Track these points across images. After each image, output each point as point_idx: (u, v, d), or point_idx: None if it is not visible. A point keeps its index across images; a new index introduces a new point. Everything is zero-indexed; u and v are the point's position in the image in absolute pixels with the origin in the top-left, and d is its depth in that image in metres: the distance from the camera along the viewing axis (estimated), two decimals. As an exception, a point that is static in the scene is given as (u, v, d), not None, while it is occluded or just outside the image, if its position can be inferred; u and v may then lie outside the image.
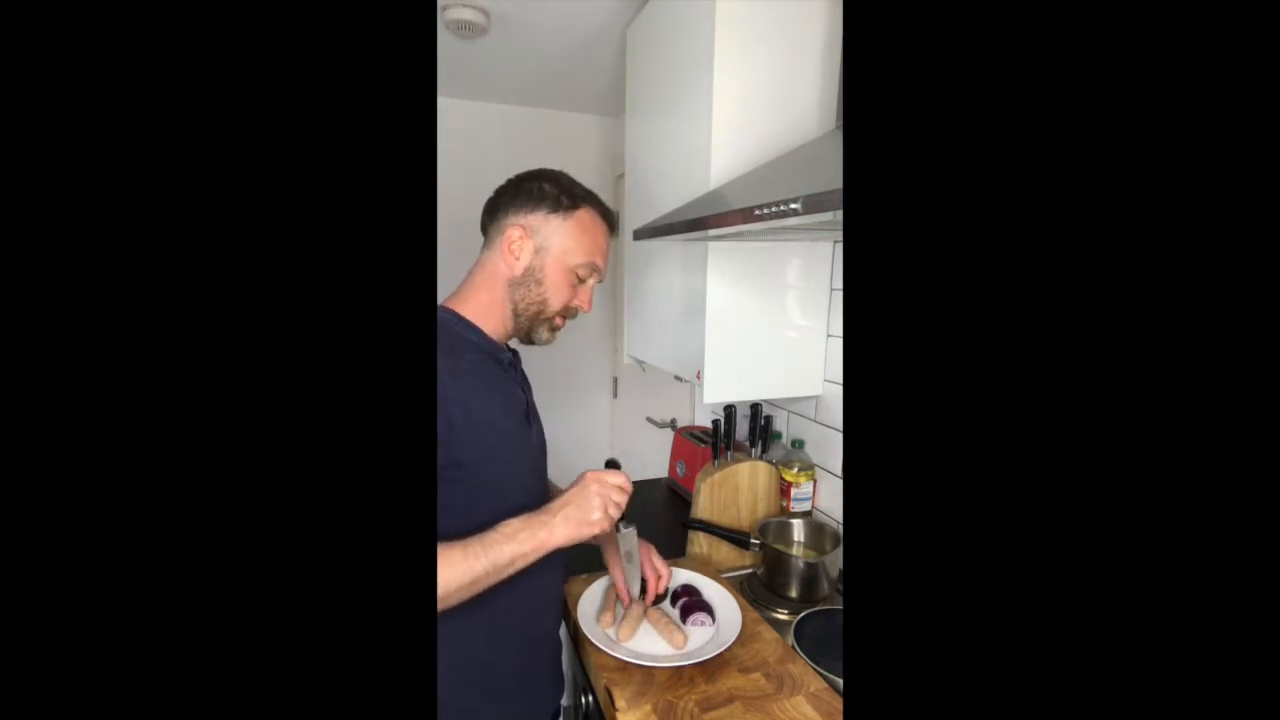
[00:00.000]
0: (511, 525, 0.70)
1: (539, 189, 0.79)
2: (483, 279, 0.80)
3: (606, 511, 0.73)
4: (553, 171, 0.82)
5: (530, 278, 0.78)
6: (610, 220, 0.83)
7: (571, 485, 0.76)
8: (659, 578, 0.96)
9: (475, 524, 0.69)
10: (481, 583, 0.67)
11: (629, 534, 0.89)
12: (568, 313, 0.82)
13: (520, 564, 0.69)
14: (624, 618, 0.96)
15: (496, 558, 0.67)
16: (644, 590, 0.96)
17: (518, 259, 0.78)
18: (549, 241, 0.78)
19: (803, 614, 1.03)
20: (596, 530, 0.73)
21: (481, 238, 0.83)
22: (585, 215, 0.79)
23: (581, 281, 0.81)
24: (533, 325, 0.81)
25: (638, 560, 0.94)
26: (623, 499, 0.76)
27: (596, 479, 0.75)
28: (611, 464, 0.81)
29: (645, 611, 0.98)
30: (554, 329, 0.82)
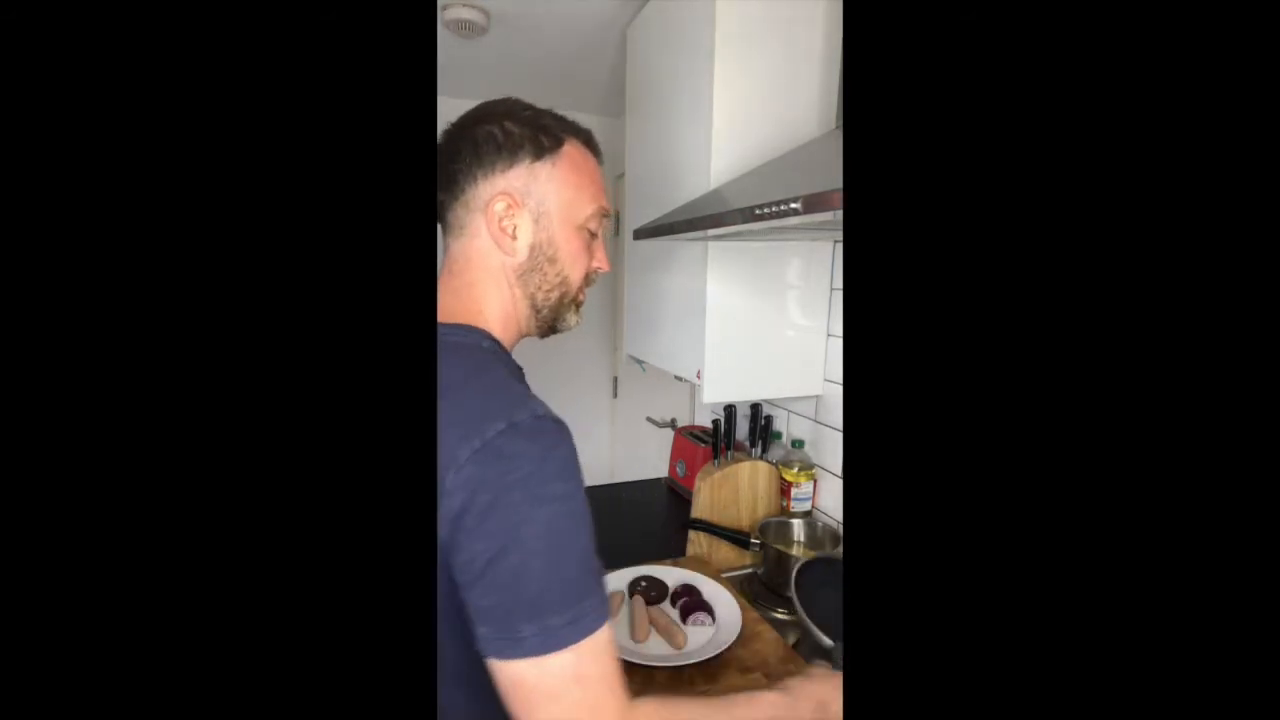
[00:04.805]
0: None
1: (505, 134, 0.57)
2: (483, 278, 0.58)
3: None
4: (503, 103, 0.60)
5: (541, 256, 0.58)
6: (595, 144, 0.65)
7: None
8: None
9: None
10: None
11: None
12: (589, 282, 0.64)
13: None
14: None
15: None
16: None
17: (515, 239, 0.57)
18: (546, 201, 0.58)
19: (803, 560, 1.00)
20: None
21: None
22: (573, 150, 0.60)
23: (594, 236, 0.63)
24: (558, 313, 0.62)
25: None
26: None
27: None
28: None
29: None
30: (579, 307, 0.64)
